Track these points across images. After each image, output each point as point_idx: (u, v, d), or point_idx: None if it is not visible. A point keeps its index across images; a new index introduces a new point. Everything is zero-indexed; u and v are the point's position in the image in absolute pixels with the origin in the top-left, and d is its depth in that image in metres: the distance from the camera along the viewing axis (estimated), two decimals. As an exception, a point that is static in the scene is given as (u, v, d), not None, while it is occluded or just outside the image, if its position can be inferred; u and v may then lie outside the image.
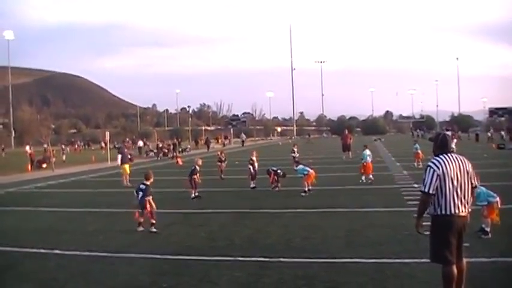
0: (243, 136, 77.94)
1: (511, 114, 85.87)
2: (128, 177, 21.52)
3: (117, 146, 50.06)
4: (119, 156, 22.46)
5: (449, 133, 38.39)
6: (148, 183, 11.19)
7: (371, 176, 18.44)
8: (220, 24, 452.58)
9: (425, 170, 5.65)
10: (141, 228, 10.85)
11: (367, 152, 19.18)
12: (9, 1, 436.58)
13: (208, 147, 60.20)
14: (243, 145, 69.65)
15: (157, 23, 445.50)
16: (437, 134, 6.21)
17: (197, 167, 16.52)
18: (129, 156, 22.74)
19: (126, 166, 21.97)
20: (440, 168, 5.50)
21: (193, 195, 16.04)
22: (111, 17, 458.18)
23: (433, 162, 5.62)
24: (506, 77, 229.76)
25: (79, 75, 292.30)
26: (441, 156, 5.63)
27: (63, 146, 59.88)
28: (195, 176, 16.22)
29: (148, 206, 10.81)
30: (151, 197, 11.03)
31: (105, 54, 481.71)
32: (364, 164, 18.78)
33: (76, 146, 78.54)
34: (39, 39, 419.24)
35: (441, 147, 5.78)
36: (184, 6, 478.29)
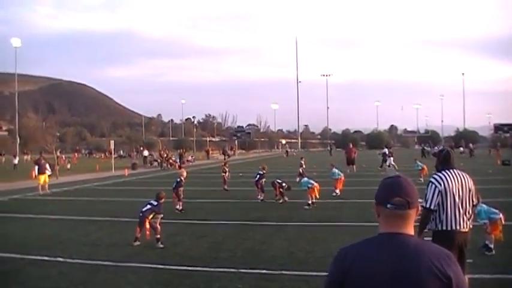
0: (287, 146, 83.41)
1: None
2: (45, 186, 23.36)
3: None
4: (36, 167, 23.87)
5: (386, 150, 39.27)
6: (160, 202, 11.06)
7: (338, 191, 19.26)
8: (228, 35, 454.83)
9: (427, 185, 5.63)
10: (137, 243, 10.60)
11: (336, 170, 20.08)
12: (17, 9, 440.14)
13: (225, 156, 60.90)
14: (287, 155, 72.31)
15: (164, 33, 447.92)
16: (441, 150, 6.21)
17: (183, 180, 16.43)
18: (47, 167, 24.19)
19: (42, 176, 23.49)
20: (442, 184, 5.48)
21: (177, 206, 15.68)
22: (118, 26, 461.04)
23: (434, 178, 5.61)
24: (511, 92, 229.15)
25: (85, 83, 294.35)
26: (443, 172, 5.61)
27: (76, 155, 60.20)
28: (180, 189, 16.05)
29: (147, 224, 10.59)
30: (161, 215, 10.96)
31: (112, 63, 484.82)
32: (340, 179, 19.66)
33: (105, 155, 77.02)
34: (46, 47, 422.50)
35: (444, 163, 5.76)
36: (192, 17, 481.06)
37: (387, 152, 38.23)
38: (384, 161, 36.95)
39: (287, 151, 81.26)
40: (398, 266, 2.09)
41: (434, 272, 2.06)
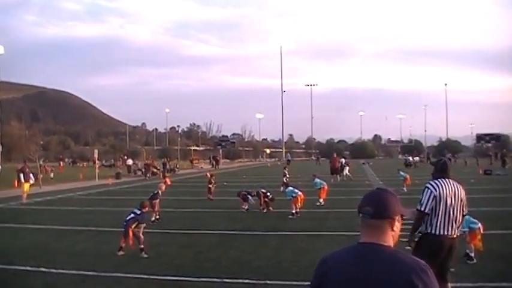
0: (289, 155, 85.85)
1: (498, 140, 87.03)
2: (25, 195, 22.76)
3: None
4: (21, 175, 23.32)
5: (343, 160, 39.24)
6: (143, 211, 11.03)
7: (322, 201, 19.10)
8: (213, 45, 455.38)
9: (423, 190, 6.01)
10: (121, 253, 10.54)
11: (318, 180, 19.96)
12: (2, 16, 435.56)
13: (217, 164, 60.26)
14: (289, 163, 70.56)
15: (150, 42, 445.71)
16: (439, 160, 6.56)
17: (160, 192, 16.34)
18: (31, 176, 24.02)
19: (27, 185, 23.20)
20: (437, 190, 5.85)
21: (153, 218, 15.40)
22: (103, 34, 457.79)
23: (431, 184, 5.98)
24: (493, 103, 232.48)
25: (70, 92, 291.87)
26: (439, 180, 6.00)
27: (61, 163, 59.72)
28: (155, 201, 15.85)
29: (130, 233, 10.51)
30: (144, 225, 10.88)
31: (96, 71, 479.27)
32: (323, 188, 19.53)
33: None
34: (31, 54, 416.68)
35: (441, 171, 6.14)
36: (178, 26, 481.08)
37: (344, 162, 38.27)
38: (341, 170, 37.05)
39: (289, 160, 78.38)
40: (369, 276, 2.13)
41: (403, 284, 2.08)
